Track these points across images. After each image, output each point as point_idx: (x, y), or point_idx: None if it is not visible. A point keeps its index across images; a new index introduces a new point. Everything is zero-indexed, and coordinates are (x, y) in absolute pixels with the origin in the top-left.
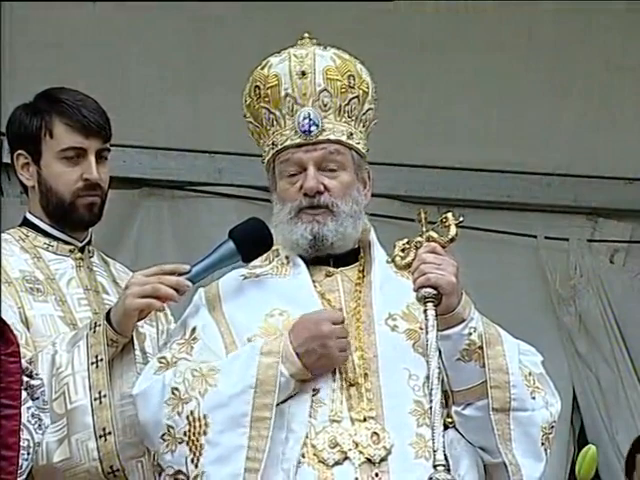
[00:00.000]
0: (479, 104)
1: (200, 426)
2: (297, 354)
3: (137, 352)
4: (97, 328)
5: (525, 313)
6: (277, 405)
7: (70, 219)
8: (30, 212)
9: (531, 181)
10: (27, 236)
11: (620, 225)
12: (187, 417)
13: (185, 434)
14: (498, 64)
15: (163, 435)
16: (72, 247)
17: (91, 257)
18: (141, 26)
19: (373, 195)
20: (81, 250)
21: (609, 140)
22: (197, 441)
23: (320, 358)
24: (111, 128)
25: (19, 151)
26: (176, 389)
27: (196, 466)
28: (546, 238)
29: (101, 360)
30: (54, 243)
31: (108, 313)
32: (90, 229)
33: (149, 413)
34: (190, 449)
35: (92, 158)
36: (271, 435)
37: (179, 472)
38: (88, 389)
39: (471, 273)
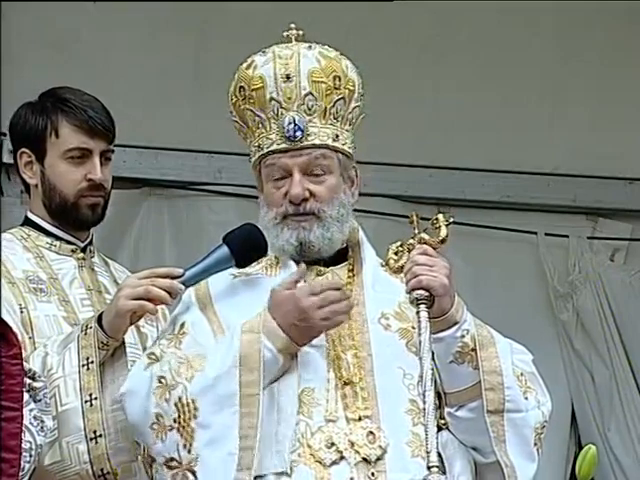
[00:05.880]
0: (479, 104)
1: (189, 411)
2: (282, 328)
3: (131, 355)
4: (88, 330)
5: (523, 309)
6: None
7: (73, 218)
8: (31, 211)
9: (531, 181)
10: (29, 235)
11: (620, 225)
12: (175, 404)
13: (175, 421)
14: (498, 64)
15: (152, 424)
16: (74, 247)
17: (92, 257)
18: (141, 26)
19: (373, 195)
20: (83, 250)
21: (609, 140)
22: (188, 426)
23: (303, 331)
24: (115, 129)
25: (22, 149)
26: (162, 377)
27: (189, 452)
28: (546, 235)
29: (92, 362)
30: (56, 243)
31: (100, 316)
32: (91, 229)
33: (137, 406)
34: (181, 435)
35: (97, 159)
36: (262, 414)
37: (171, 459)
38: (79, 391)
39: (469, 270)
